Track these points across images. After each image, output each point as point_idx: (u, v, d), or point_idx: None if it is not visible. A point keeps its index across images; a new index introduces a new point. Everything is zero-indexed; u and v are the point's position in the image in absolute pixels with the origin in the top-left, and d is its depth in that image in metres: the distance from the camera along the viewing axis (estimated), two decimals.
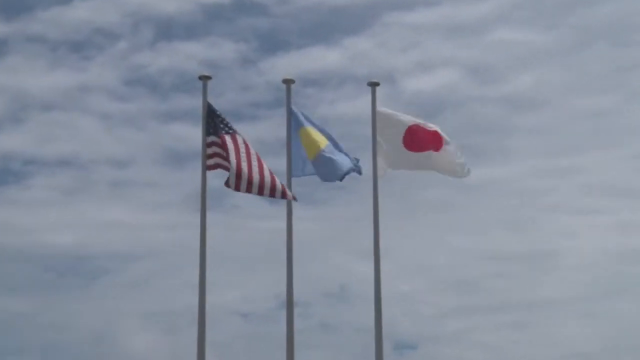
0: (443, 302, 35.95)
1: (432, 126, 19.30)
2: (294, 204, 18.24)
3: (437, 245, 37.39)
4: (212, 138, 18.06)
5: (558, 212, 39.42)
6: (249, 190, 17.55)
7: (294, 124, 18.72)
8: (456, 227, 37.74)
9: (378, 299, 18.28)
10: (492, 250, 37.36)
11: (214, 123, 18.07)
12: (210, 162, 18.05)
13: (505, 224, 38.84)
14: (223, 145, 17.70)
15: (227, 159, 17.66)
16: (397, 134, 19.16)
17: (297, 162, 18.71)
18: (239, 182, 17.49)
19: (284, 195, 17.64)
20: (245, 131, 18.21)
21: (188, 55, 43.42)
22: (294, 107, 18.90)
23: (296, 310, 17.89)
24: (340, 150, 18.72)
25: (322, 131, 18.80)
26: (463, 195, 39.32)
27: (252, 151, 17.73)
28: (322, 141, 18.61)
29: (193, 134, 34.67)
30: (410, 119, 19.33)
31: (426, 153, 19.19)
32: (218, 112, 18.14)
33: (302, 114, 18.88)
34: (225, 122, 18.02)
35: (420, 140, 19.16)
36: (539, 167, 40.43)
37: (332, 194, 39.31)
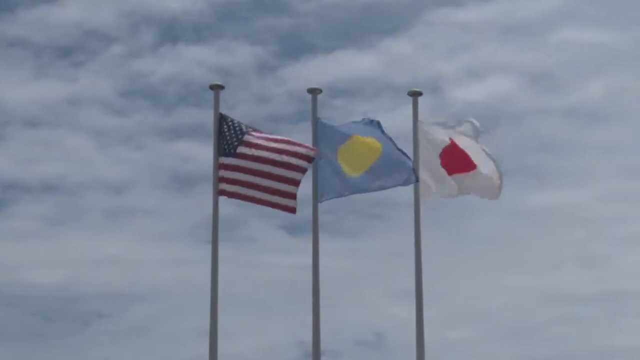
0: (498, 352, 35.84)
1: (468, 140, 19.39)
2: (320, 236, 18.31)
3: (491, 285, 37.31)
4: (225, 160, 18.22)
5: (636, 245, 39.23)
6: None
7: (330, 140, 18.76)
8: (513, 264, 37.66)
9: (421, 348, 18.30)
10: (557, 291, 37.25)
11: (229, 140, 18.25)
12: (223, 186, 18.17)
13: (573, 259, 38.73)
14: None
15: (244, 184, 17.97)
16: (435, 152, 19.25)
17: (332, 181, 18.69)
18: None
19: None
20: None
21: (196, 61, 43.82)
22: (324, 120, 18.97)
23: None
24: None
25: (374, 134, 18.80)
26: (521, 225, 39.31)
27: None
28: (378, 146, 18.68)
29: (202, 154, 35.06)
30: (449, 132, 19.39)
31: (469, 174, 19.24)
32: (231, 122, 18.32)
33: (339, 125, 18.97)
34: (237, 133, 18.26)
35: (459, 158, 19.21)
36: (612, 192, 40.32)
37: (365, 223, 39.42)
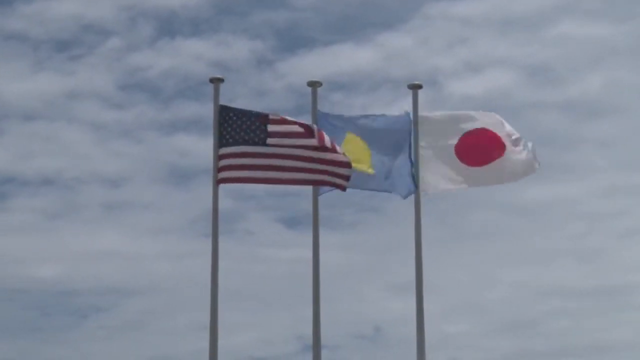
0: (496, 346, 35.88)
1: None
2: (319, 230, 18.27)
3: (489, 279, 37.38)
4: (225, 149, 18.12)
5: (633, 240, 39.28)
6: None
7: (333, 128, 18.68)
8: (510, 258, 37.71)
9: (421, 342, 18.28)
10: (554, 285, 37.30)
11: (232, 131, 18.13)
12: (223, 175, 18.00)
13: (570, 253, 38.77)
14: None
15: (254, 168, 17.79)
16: (449, 145, 19.12)
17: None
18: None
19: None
20: None
21: (194, 55, 43.83)
22: (323, 111, 18.93)
23: (323, 354, 17.92)
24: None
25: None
26: (518, 219, 39.36)
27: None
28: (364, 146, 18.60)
29: (200, 147, 35.09)
30: (465, 126, 19.29)
31: (493, 164, 19.11)
32: (238, 112, 18.17)
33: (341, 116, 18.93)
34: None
35: (480, 148, 19.06)
36: (609, 186, 40.37)
37: (363, 216, 39.43)
